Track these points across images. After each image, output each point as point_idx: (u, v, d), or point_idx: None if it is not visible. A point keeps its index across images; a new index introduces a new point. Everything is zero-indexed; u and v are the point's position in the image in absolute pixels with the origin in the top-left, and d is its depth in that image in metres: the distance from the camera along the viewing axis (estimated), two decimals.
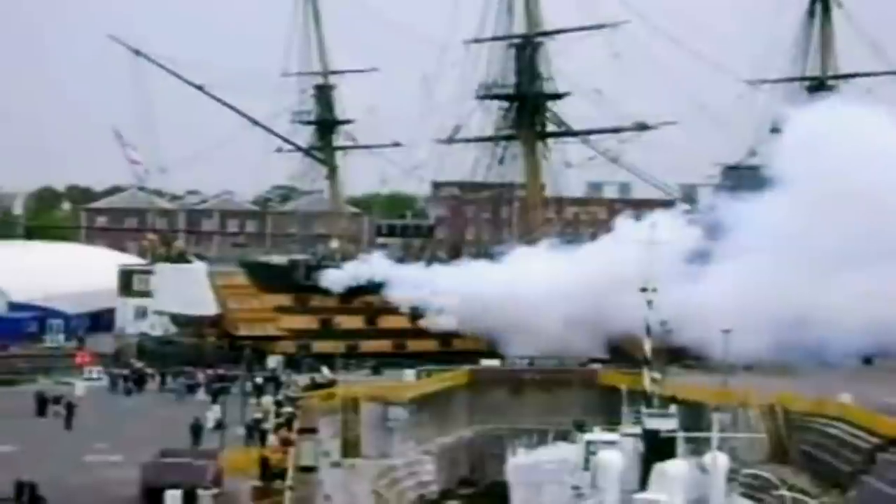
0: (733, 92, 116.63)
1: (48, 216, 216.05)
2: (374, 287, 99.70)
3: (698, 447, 53.98)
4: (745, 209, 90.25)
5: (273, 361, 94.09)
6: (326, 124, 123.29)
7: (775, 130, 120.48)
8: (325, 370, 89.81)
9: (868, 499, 65.65)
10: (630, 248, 61.50)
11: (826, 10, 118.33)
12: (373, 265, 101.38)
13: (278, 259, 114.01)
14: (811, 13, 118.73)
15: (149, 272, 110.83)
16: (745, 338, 77.93)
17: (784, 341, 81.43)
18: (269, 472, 55.33)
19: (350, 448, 75.88)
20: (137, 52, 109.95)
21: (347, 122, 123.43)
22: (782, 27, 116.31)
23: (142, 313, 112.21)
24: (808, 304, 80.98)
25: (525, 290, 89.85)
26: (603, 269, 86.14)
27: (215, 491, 51.12)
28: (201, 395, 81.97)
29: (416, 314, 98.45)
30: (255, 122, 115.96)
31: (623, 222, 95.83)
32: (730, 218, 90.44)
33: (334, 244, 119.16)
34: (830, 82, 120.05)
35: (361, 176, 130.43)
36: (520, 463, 64.80)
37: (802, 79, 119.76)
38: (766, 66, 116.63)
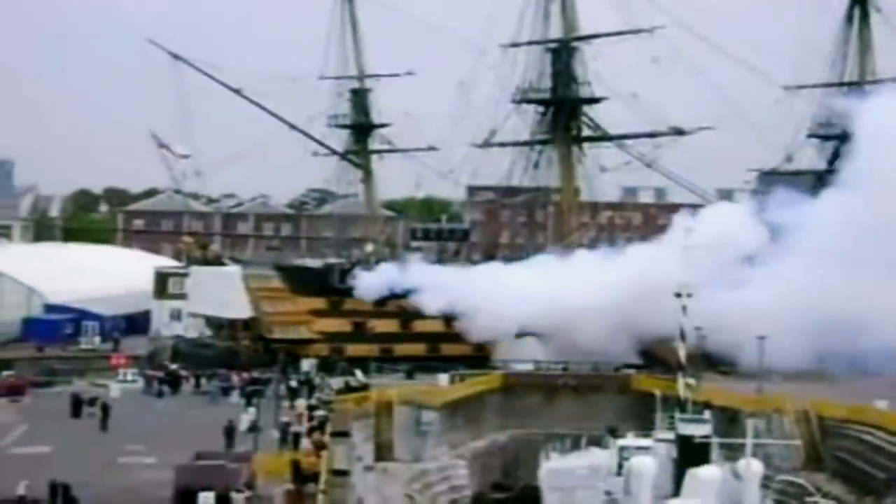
0: (771, 97, 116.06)
1: (85, 218, 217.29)
2: (405, 294, 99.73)
3: (732, 453, 53.78)
4: (801, 210, 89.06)
5: (307, 365, 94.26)
6: (362, 128, 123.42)
7: (813, 136, 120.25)
8: (359, 374, 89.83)
9: None
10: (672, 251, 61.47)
11: (864, 14, 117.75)
12: (406, 269, 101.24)
13: (313, 262, 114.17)
14: (849, 17, 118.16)
15: (184, 275, 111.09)
16: (784, 344, 77.53)
17: (824, 348, 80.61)
18: (302, 476, 55.37)
19: (383, 452, 75.87)
20: (176, 56, 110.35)
21: (383, 125, 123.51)
22: (820, 31, 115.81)
23: (177, 316, 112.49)
24: (850, 310, 79.90)
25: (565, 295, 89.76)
26: (643, 273, 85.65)
27: (248, 494, 51.23)
28: (235, 397, 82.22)
29: (448, 318, 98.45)
30: (292, 126, 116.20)
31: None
32: (785, 219, 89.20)
33: (369, 248, 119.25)
34: (869, 87, 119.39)
35: (397, 180, 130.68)
36: (553, 468, 64.68)
37: (841, 84, 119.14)
38: (804, 70, 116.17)
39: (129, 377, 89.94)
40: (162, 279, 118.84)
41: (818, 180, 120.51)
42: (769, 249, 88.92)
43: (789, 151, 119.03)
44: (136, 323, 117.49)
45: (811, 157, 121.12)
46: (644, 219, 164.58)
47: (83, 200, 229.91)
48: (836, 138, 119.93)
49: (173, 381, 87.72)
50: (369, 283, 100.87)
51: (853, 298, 79.12)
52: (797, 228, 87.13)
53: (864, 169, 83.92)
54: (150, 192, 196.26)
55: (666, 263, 70.09)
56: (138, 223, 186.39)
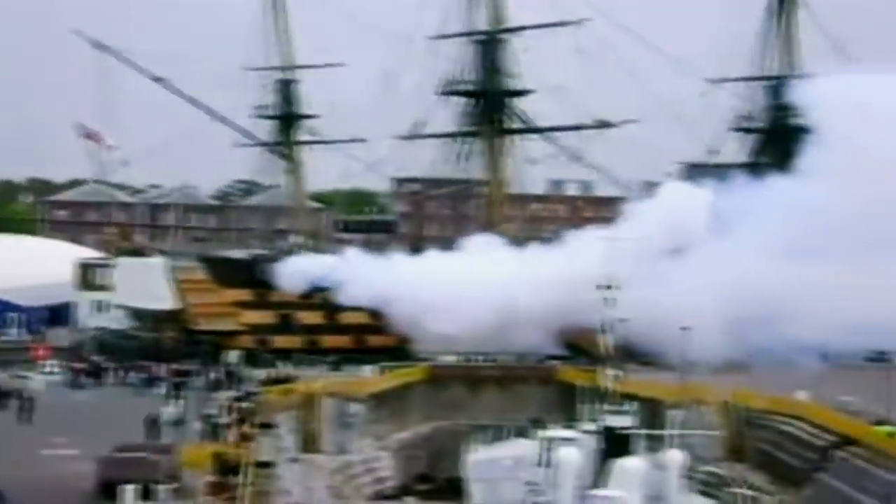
0: (695, 90, 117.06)
1: (8, 209, 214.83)
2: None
3: (655, 444, 54.03)
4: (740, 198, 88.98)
5: (232, 356, 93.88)
6: (288, 119, 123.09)
7: (738, 129, 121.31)
8: (284, 365, 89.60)
9: (823, 496, 65.97)
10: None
11: (788, 8, 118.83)
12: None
13: (238, 254, 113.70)
14: (773, 11, 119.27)
15: (108, 266, 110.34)
16: (712, 336, 77.87)
17: (746, 340, 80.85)
18: (226, 467, 55.09)
19: (308, 443, 75.68)
20: (100, 46, 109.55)
21: (310, 116, 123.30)
22: (744, 25, 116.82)
23: (100, 307, 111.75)
24: (772, 300, 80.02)
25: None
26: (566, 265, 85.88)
27: (171, 486, 50.91)
28: (159, 389, 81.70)
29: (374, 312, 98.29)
30: (217, 116, 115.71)
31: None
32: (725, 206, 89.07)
33: (295, 239, 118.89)
34: (792, 81, 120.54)
35: (323, 171, 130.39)
36: (477, 459, 64.62)
37: (764, 78, 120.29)
38: (728, 63, 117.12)
39: (52, 369, 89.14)
40: (86, 270, 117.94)
41: (741, 173, 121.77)
42: (703, 238, 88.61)
43: (713, 144, 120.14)
44: (60, 314, 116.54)
45: (734, 150, 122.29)
46: (570, 211, 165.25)
47: (6, 190, 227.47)
48: (759, 131, 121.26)
49: (97, 373, 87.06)
50: (293, 273, 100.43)
51: (784, 289, 79.29)
52: (736, 216, 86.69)
53: (817, 161, 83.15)
54: (74, 183, 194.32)
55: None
56: (62, 214, 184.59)
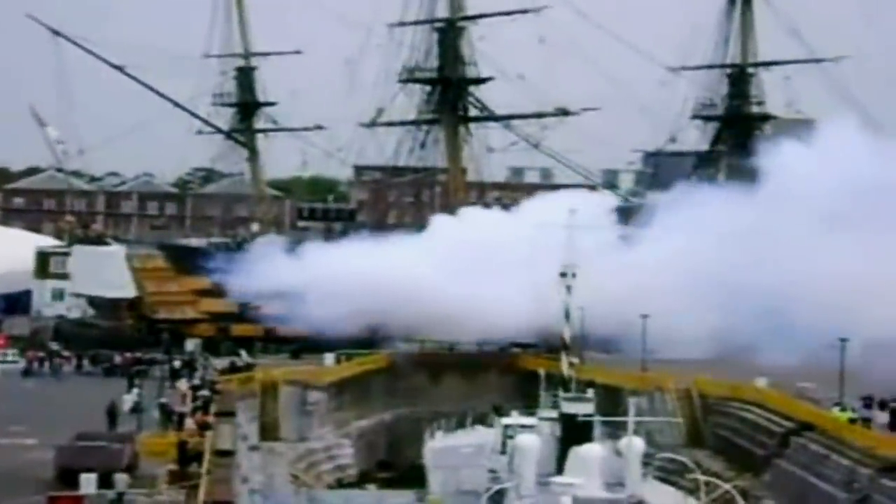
0: (655, 78, 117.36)
1: None
2: None
3: (615, 431, 54.21)
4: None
5: (191, 345, 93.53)
6: (248, 106, 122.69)
7: (696, 117, 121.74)
8: (244, 354, 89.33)
9: (782, 482, 66.42)
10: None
11: None
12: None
13: (198, 242, 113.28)
14: (732, 0, 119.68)
15: (66, 254, 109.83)
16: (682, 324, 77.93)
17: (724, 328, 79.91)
18: (187, 456, 54.97)
19: (268, 432, 75.67)
20: (56, 33, 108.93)
21: (269, 104, 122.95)
22: (705, 13, 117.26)
23: (59, 295, 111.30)
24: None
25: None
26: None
27: (131, 474, 50.74)
28: (118, 378, 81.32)
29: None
30: (176, 104, 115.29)
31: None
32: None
33: (255, 227, 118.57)
34: (750, 69, 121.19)
35: (283, 159, 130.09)
36: (437, 446, 64.86)
37: (723, 66, 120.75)
38: (687, 52, 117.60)
39: (10, 358, 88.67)
40: (43, 259, 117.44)
41: (700, 161, 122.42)
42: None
43: (673, 132, 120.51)
44: (17, 303, 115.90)
45: (695, 138, 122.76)
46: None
47: None
48: (719, 119, 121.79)
49: (55, 362, 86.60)
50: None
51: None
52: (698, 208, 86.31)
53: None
54: (32, 171, 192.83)
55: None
56: (19, 202, 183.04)
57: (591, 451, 50.96)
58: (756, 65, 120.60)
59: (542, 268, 60.14)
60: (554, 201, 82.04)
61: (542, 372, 60.40)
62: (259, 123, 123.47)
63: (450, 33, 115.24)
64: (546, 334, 76.63)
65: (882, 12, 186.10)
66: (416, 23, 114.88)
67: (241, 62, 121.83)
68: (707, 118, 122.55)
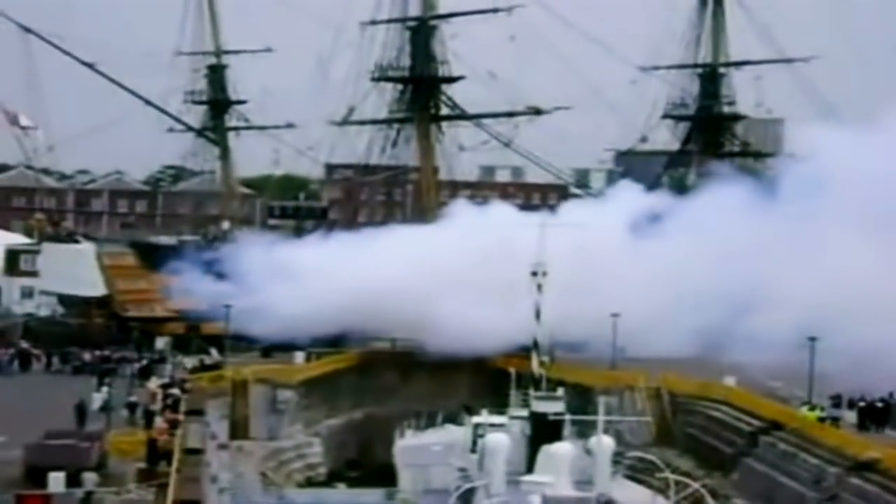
0: (626, 77, 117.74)
1: None
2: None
3: (585, 430, 54.34)
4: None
5: (161, 343, 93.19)
6: (219, 104, 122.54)
7: (667, 116, 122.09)
8: (214, 352, 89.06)
9: (750, 481, 66.68)
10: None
11: None
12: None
13: (168, 240, 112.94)
14: (704, 0, 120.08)
15: (36, 252, 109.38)
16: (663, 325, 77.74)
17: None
18: (156, 455, 54.81)
19: (238, 430, 75.56)
20: (27, 30, 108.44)
21: (240, 102, 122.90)
22: (676, 13, 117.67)
23: (28, 293, 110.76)
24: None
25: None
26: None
27: (99, 473, 50.57)
28: (88, 376, 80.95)
29: None
30: (147, 102, 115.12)
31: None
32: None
33: (225, 225, 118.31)
34: (722, 69, 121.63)
35: (254, 157, 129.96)
36: (407, 445, 64.89)
37: (695, 66, 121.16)
38: (659, 52, 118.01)
39: None
40: (13, 256, 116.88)
41: (671, 160, 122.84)
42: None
43: (644, 132, 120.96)
44: None
45: (666, 138, 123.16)
46: (502, 198, 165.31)
47: None
48: (690, 119, 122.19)
49: (24, 360, 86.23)
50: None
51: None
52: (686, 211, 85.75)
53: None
54: (1, 168, 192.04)
55: None
56: None
57: (561, 450, 51.16)
58: (727, 65, 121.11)
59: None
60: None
61: (512, 371, 60.57)
62: (230, 121, 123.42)
63: (422, 32, 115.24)
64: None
65: (851, 13, 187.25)
66: (388, 21, 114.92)
67: (212, 60, 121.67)
68: (678, 118, 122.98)
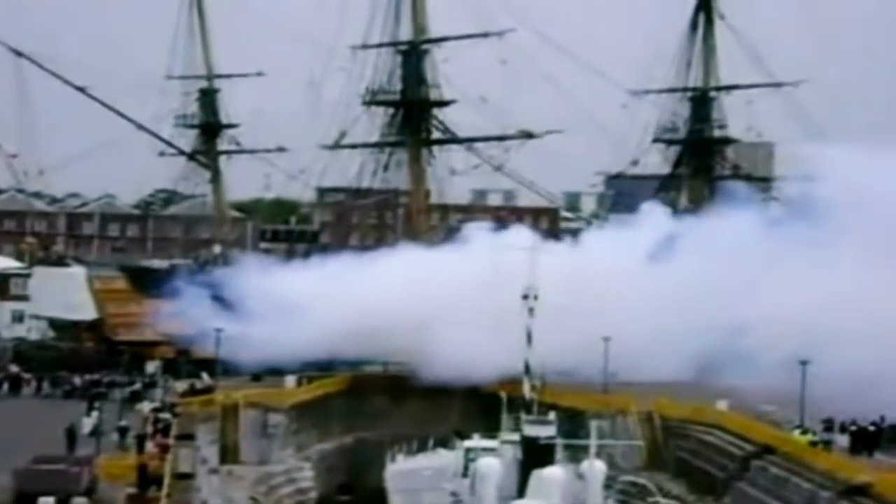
0: (617, 101, 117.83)
1: None
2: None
3: (577, 454, 54.27)
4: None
5: (152, 367, 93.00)
6: (210, 128, 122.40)
7: (658, 140, 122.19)
8: (205, 376, 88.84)
9: None
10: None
11: (709, 21, 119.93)
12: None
13: (159, 264, 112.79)
14: (694, 24, 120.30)
15: (26, 275, 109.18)
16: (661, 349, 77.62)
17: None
18: (146, 479, 54.69)
19: (228, 454, 75.29)
20: (19, 53, 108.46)
21: (232, 126, 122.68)
22: (666, 37, 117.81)
23: (19, 317, 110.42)
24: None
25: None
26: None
27: (89, 498, 50.44)
28: (78, 400, 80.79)
29: None
30: (138, 125, 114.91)
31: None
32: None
33: (217, 249, 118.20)
34: (712, 93, 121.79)
35: (245, 180, 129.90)
36: (398, 469, 64.81)
37: (685, 89, 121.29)
38: (650, 76, 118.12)
39: None
40: (3, 280, 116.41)
41: (662, 184, 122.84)
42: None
43: (635, 155, 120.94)
44: None
45: (657, 161, 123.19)
46: (494, 221, 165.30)
47: None
48: (681, 143, 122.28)
49: (14, 384, 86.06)
50: None
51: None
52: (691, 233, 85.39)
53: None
54: None
55: None
56: None
57: (553, 474, 51.03)
58: (717, 89, 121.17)
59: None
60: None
61: (503, 395, 60.47)
62: (222, 145, 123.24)
63: (413, 56, 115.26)
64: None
65: (840, 36, 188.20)
66: (380, 45, 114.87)
67: (203, 84, 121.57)
68: (669, 142, 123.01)
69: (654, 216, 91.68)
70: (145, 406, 75.76)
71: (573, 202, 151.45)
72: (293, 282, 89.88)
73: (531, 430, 53.89)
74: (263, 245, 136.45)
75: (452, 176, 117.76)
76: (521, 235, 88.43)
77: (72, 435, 64.22)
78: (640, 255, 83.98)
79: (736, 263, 76.93)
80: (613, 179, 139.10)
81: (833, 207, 71.64)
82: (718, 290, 76.18)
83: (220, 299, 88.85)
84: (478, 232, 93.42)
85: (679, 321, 77.19)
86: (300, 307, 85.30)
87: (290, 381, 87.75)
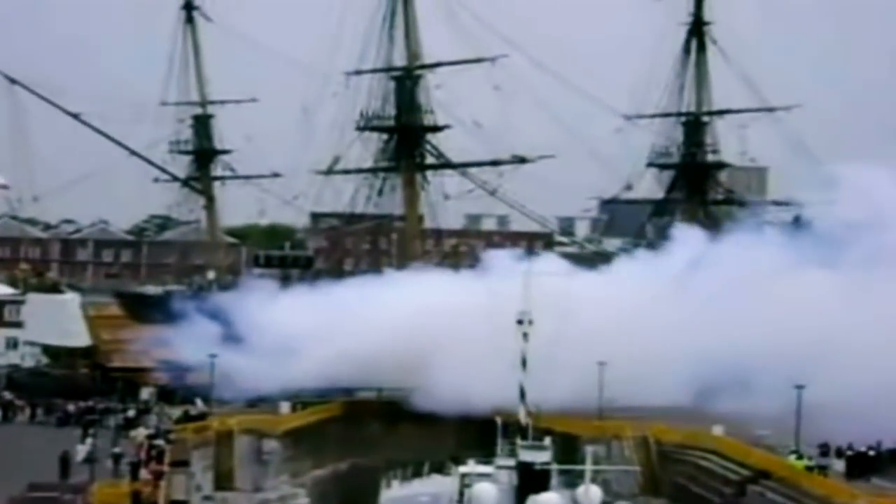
0: (611, 126, 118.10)
1: None
2: None
3: (572, 480, 54.10)
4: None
5: (146, 393, 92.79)
6: (204, 154, 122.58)
7: (652, 165, 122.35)
8: (199, 402, 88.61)
9: None
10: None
11: (701, 46, 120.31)
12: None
13: (153, 290, 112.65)
14: (687, 49, 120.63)
15: (20, 302, 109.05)
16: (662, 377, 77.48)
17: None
18: None
19: (223, 481, 75.04)
20: (12, 80, 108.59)
21: (225, 151, 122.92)
22: (660, 62, 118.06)
23: (13, 344, 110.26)
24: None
25: None
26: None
27: None
28: (72, 427, 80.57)
29: None
30: (132, 152, 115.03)
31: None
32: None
33: (211, 275, 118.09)
34: (705, 118, 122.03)
35: (239, 206, 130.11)
36: (394, 496, 64.47)
37: (679, 114, 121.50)
38: (643, 100, 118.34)
39: None
40: None
41: (656, 208, 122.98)
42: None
43: (629, 180, 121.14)
44: None
45: (650, 186, 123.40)
46: (487, 246, 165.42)
47: None
48: (674, 167, 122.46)
49: (8, 411, 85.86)
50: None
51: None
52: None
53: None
54: None
55: None
56: None
57: (549, 500, 50.90)
58: (711, 113, 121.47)
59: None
60: None
61: (499, 420, 60.29)
62: (216, 171, 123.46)
63: (406, 82, 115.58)
64: None
65: (833, 61, 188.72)
66: (373, 71, 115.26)
67: (197, 110, 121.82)
68: (662, 166, 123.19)
69: (686, 241, 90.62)
70: (140, 433, 75.52)
71: (567, 227, 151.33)
72: (292, 310, 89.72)
73: (527, 456, 53.74)
74: (257, 271, 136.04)
75: (446, 201, 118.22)
76: (549, 262, 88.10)
77: (66, 462, 64.00)
78: (667, 282, 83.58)
79: (750, 290, 76.99)
80: (607, 204, 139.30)
81: (854, 229, 72.02)
82: (724, 319, 76.19)
83: (219, 326, 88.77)
84: (503, 259, 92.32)
85: (680, 347, 77.37)
86: (297, 338, 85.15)
87: (285, 407, 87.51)
